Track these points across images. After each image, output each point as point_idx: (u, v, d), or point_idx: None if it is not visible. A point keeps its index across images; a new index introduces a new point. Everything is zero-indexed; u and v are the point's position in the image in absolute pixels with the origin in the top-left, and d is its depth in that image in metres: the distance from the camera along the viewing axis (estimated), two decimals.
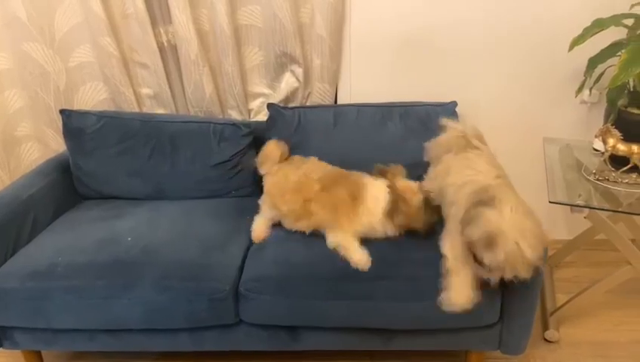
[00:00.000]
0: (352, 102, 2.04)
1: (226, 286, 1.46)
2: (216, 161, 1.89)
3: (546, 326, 1.84)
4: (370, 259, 1.46)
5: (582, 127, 2.11)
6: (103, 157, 1.91)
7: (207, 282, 1.47)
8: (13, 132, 2.11)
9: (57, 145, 2.12)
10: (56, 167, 1.95)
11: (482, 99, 2.09)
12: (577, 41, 1.71)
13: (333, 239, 1.53)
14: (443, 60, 2.03)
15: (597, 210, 1.64)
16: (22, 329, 1.54)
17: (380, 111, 1.94)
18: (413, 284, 1.44)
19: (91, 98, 2.08)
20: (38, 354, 1.70)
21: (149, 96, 2.06)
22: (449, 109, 1.94)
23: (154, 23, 1.91)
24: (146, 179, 1.92)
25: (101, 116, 1.91)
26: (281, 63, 1.99)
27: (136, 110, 2.06)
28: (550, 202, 1.60)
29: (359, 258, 1.46)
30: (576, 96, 1.90)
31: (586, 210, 1.63)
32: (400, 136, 1.90)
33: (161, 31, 1.95)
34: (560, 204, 1.60)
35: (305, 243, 1.58)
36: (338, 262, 1.48)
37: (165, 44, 1.96)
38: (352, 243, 1.50)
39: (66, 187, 1.95)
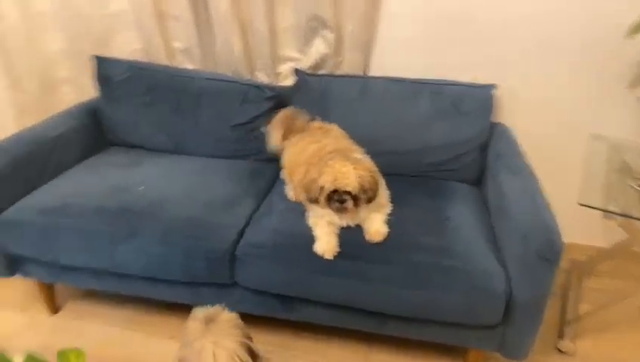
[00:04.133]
0: (384, 74, 1.94)
1: (223, 246, 1.46)
2: (237, 121, 1.87)
3: (561, 335, 1.72)
4: (337, 249, 1.41)
5: (636, 126, 1.90)
6: (130, 106, 1.94)
7: (205, 241, 1.48)
8: (52, 74, 2.18)
9: (92, 90, 2.17)
10: (86, 111, 2.01)
11: (523, 85, 1.92)
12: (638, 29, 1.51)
13: (309, 219, 1.50)
14: (485, 39, 1.87)
15: (634, 220, 1.49)
16: (33, 261, 1.62)
17: (410, 86, 1.83)
18: (411, 271, 1.38)
19: (126, 47, 2.10)
20: (51, 287, 1.79)
21: (179, 49, 2.05)
22: (485, 92, 1.80)
23: None
24: (168, 132, 1.94)
25: (130, 66, 1.94)
26: (312, 27, 1.90)
27: (167, 63, 2.06)
28: (579, 204, 1.46)
29: (320, 245, 1.41)
30: (631, 92, 1.71)
31: (620, 218, 1.48)
32: (428, 115, 1.80)
33: None
34: (589, 207, 1.45)
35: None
36: (339, 239, 1.44)
37: None
38: (322, 227, 1.45)
39: (94, 131, 2.00)
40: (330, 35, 1.89)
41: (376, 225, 1.47)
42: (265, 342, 1.69)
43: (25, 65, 2.13)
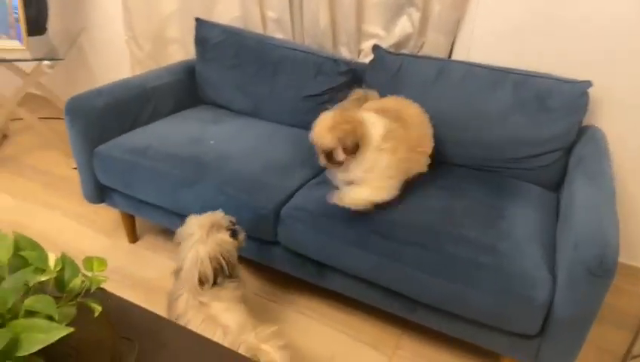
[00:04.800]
0: (469, 60, 1.84)
1: (270, 205, 1.54)
2: (309, 92, 1.92)
3: None
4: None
5: None
6: (219, 67, 2.09)
7: (256, 197, 1.57)
8: (164, 33, 2.43)
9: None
10: (185, 69, 2.21)
11: (623, 86, 1.69)
12: None
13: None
14: (586, 31, 1.68)
15: None
16: (117, 192, 1.86)
17: (492, 74, 1.72)
18: (444, 260, 1.33)
19: (227, 14, 2.25)
20: (132, 218, 2.03)
21: (272, 19, 2.15)
22: (577, 89, 1.62)
23: None
24: (247, 95, 2.06)
25: (224, 30, 2.08)
26: (399, 4, 1.87)
27: (260, 31, 2.18)
28: None
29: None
30: None
31: None
32: (506, 107, 1.68)
33: None
34: None
35: None
36: (377, 216, 1.44)
37: None
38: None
39: (188, 88, 2.20)
40: (416, 14, 1.84)
41: (354, 194, 1.41)
42: (303, 306, 1.76)
43: (142, 23, 2.40)
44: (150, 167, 1.71)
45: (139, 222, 2.07)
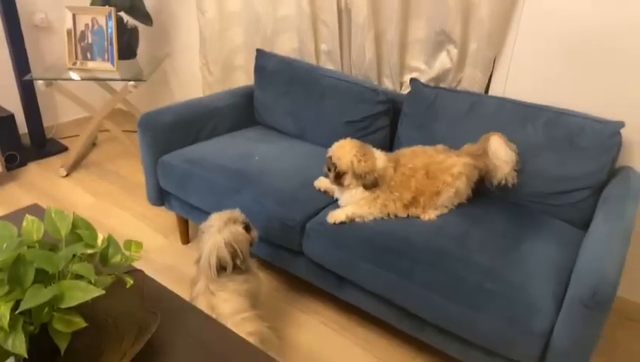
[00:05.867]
0: (504, 96, 1.90)
1: (297, 218, 1.70)
2: (350, 118, 2.08)
3: None
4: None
5: None
6: (273, 93, 2.32)
7: (287, 209, 1.73)
8: (232, 61, 2.72)
9: None
10: (244, 93, 2.46)
11: None
12: None
13: None
14: (619, 72, 1.68)
15: None
16: (174, 197, 2.11)
17: (524, 110, 1.77)
18: (453, 282, 1.40)
19: (286, 45, 2.49)
20: (186, 222, 2.28)
21: (324, 51, 2.35)
22: (611, 129, 1.63)
23: None
24: (295, 119, 2.26)
25: (281, 60, 2.31)
26: (439, 41, 1.99)
27: (314, 62, 2.38)
28: None
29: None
30: None
31: None
32: (536, 144, 1.72)
33: None
34: None
35: None
36: (393, 235, 1.54)
37: (343, 7, 2.19)
38: None
39: (246, 110, 2.45)
40: (454, 51, 1.95)
41: (338, 211, 1.65)
42: (325, 316, 1.87)
43: (214, 52, 2.71)
44: (202, 175, 1.95)
45: (191, 225, 2.31)
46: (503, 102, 1.82)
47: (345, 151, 1.60)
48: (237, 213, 1.48)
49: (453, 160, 1.68)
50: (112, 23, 2.60)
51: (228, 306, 1.34)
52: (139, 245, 1.14)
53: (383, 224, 1.63)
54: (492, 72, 1.95)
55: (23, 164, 2.92)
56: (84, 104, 2.87)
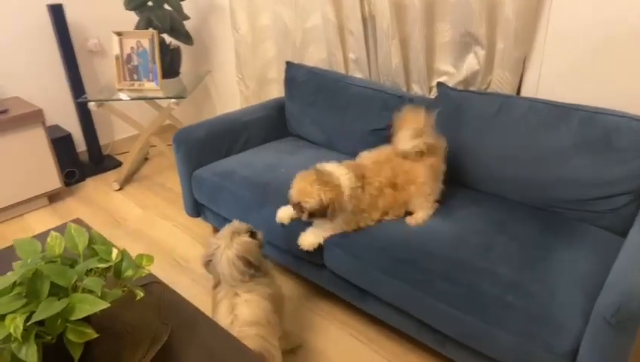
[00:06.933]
0: (537, 97, 1.80)
1: None
2: (375, 126, 2.06)
3: None
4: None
5: None
6: (300, 103, 2.35)
7: (307, 222, 1.74)
8: (266, 74, 2.79)
9: None
10: (276, 105, 2.51)
11: None
12: None
13: None
14: None
15: None
16: (208, 209, 2.19)
17: (556, 110, 1.66)
18: (471, 296, 1.34)
19: (315, 56, 2.51)
20: None
21: (352, 60, 2.34)
22: None
23: None
24: (322, 128, 2.27)
25: (309, 71, 2.34)
26: (465, 43, 1.92)
27: (342, 71, 2.39)
28: None
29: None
30: None
31: None
32: (569, 145, 1.61)
33: (365, 2, 2.17)
34: None
35: (399, 221, 1.67)
36: (411, 246, 1.50)
37: (367, 14, 2.18)
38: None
39: (278, 121, 2.50)
40: (481, 52, 1.87)
41: (308, 234, 1.69)
42: (354, 329, 1.85)
43: (249, 67, 2.79)
44: (230, 189, 2.00)
45: None
46: (533, 102, 1.72)
47: (307, 190, 1.57)
48: (237, 223, 1.51)
49: (419, 169, 1.66)
50: (155, 45, 2.75)
51: (246, 310, 1.37)
52: (149, 259, 1.20)
53: (402, 233, 1.59)
54: (523, 72, 1.85)
55: (82, 179, 3.16)
56: (132, 122, 3.06)
